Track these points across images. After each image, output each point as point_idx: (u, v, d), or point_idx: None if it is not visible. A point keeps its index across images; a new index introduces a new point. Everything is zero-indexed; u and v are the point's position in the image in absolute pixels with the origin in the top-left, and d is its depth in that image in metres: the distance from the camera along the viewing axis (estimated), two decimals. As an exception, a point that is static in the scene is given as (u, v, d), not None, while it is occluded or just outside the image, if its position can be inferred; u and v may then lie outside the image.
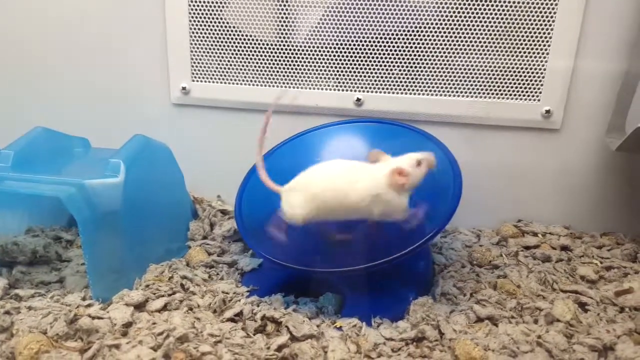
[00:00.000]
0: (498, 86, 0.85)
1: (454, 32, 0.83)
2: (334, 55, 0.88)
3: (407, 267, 0.74)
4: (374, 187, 0.65)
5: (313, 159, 0.83)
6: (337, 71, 0.89)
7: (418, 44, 0.85)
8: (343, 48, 0.87)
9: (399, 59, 0.86)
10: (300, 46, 0.88)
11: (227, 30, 0.89)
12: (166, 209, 0.82)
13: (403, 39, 0.85)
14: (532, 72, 0.84)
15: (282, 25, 0.88)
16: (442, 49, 0.85)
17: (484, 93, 0.86)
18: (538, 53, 0.83)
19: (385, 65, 0.87)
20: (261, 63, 0.90)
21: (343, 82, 0.89)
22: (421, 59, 0.86)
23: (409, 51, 0.85)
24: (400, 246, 0.65)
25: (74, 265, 0.78)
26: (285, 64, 0.90)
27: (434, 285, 0.74)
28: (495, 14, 0.82)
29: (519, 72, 0.84)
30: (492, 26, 0.82)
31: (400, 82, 0.87)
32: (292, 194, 0.68)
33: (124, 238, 0.70)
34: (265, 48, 0.89)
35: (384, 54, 0.86)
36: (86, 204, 0.66)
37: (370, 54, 0.87)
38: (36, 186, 0.67)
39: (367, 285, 0.72)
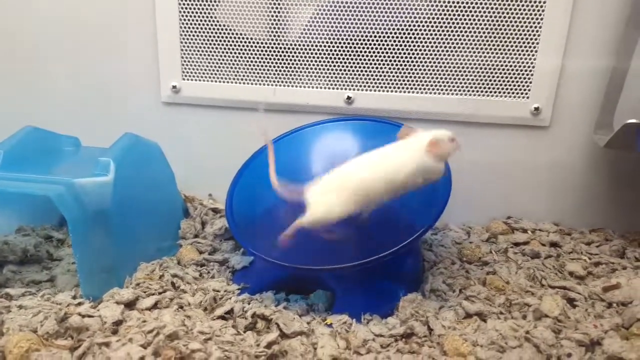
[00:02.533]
0: (487, 84, 0.86)
1: (443, 31, 0.84)
2: (325, 54, 0.88)
3: (396, 264, 0.74)
4: (418, 160, 0.66)
5: (304, 156, 0.84)
6: (328, 69, 0.89)
7: (408, 42, 0.85)
8: (334, 46, 0.87)
9: (389, 57, 0.86)
10: (291, 44, 0.88)
11: (218, 29, 0.90)
12: (157, 207, 0.82)
13: (393, 37, 0.85)
14: (521, 70, 0.84)
15: (273, 24, 0.88)
16: (432, 47, 0.85)
17: (473, 91, 0.86)
18: (527, 51, 0.83)
19: (375, 64, 0.87)
20: (252, 61, 0.90)
21: (333, 80, 0.89)
22: (411, 57, 0.86)
23: (399, 49, 0.86)
24: (390, 243, 0.66)
25: (65, 264, 0.78)
26: (277, 62, 0.90)
27: (423, 282, 0.75)
28: (484, 12, 0.82)
29: (507, 69, 0.84)
30: (481, 24, 0.83)
31: (391, 80, 0.88)
32: (326, 196, 0.67)
33: (114, 237, 0.70)
34: (256, 46, 0.89)
35: (374, 52, 0.87)
36: (76, 203, 0.66)
37: (361, 52, 0.87)
38: (26, 185, 0.67)
39: (358, 282, 0.72)
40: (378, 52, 0.86)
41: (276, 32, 0.88)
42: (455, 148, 0.68)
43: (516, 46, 0.83)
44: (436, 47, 0.85)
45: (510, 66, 0.84)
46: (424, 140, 0.66)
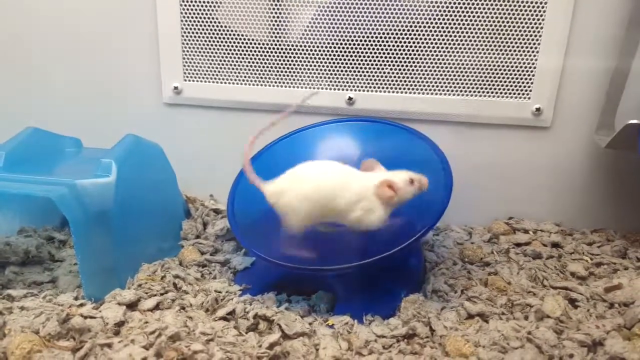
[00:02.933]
0: (488, 84, 0.86)
1: (445, 31, 0.84)
2: (326, 55, 0.88)
3: (398, 264, 0.75)
4: (362, 194, 0.66)
5: (305, 157, 0.83)
6: (329, 70, 0.89)
7: (410, 43, 0.85)
8: (335, 47, 0.87)
9: (390, 58, 0.87)
10: (293, 45, 0.88)
11: (219, 30, 0.90)
12: (158, 208, 0.82)
13: (395, 38, 0.85)
14: (523, 71, 0.84)
15: (274, 25, 0.88)
16: (433, 47, 0.85)
17: (474, 91, 0.86)
18: (528, 51, 0.83)
19: (376, 65, 0.87)
20: (253, 62, 0.91)
21: (335, 81, 0.89)
22: (413, 58, 0.86)
23: (400, 50, 0.86)
24: (391, 244, 0.66)
25: (67, 265, 0.78)
26: (278, 63, 0.90)
27: (425, 283, 0.75)
28: (486, 13, 0.82)
29: (509, 70, 0.84)
30: (482, 25, 0.83)
31: (392, 81, 0.88)
32: (282, 196, 0.69)
33: (116, 238, 0.70)
34: (258, 47, 0.89)
35: (375, 53, 0.87)
36: (78, 204, 0.66)
37: (362, 53, 0.87)
38: (28, 186, 0.67)
39: (359, 283, 0.72)
40: (379, 53, 0.86)
41: (277, 33, 0.88)
42: (412, 193, 0.67)
43: (517, 47, 0.83)
44: (437, 47, 0.85)
45: (512, 67, 0.84)
46: (376, 180, 0.66)
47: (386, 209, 0.67)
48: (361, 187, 0.67)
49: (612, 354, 0.58)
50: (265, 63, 0.90)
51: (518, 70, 0.84)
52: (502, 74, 0.85)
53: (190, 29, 0.90)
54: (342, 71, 0.89)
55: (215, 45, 0.91)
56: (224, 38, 0.90)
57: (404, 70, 0.87)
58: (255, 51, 0.90)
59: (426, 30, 0.84)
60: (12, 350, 0.55)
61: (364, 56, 0.87)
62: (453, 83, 0.86)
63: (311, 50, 0.88)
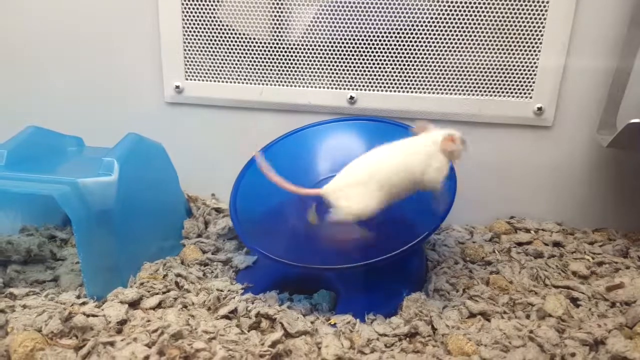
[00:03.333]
0: (490, 84, 0.86)
1: (446, 30, 0.84)
2: (328, 53, 0.88)
3: (400, 263, 0.74)
4: (430, 153, 0.67)
5: (306, 157, 0.84)
6: (331, 69, 0.89)
7: (411, 42, 0.85)
8: (336, 46, 0.87)
9: (392, 57, 0.87)
10: (294, 44, 0.88)
11: (221, 29, 0.90)
12: (160, 207, 0.82)
13: (396, 37, 0.85)
14: (524, 70, 0.84)
15: (275, 24, 0.88)
16: (435, 46, 0.85)
17: (476, 91, 0.86)
18: (530, 51, 0.83)
19: (378, 64, 0.87)
20: (255, 61, 0.91)
21: (336, 80, 0.89)
22: (414, 57, 0.86)
23: (402, 49, 0.86)
24: (394, 244, 0.66)
25: (69, 264, 0.78)
26: (279, 62, 0.90)
27: (427, 282, 0.75)
28: (488, 12, 0.82)
29: (511, 69, 0.84)
30: (484, 24, 0.83)
31: (394, 80, 0.88)
32: (349, 190, 0.67)
33: (118, 236, 0.70)
34: (259, 46, 0.90)
35: (377, 52, 0.87)
36: (80, 203, 0.66)
37: (364, 52, 0.87)
38: (30, 185, 0.67)
39: (361, 282, 0.72)
40: (381, 52, 0.86)
41: (279, 32, 0.88)
42: (463, 150, 0.68)
43: (519, 46, 0.83)
44: (439, 46, 0.85)
45: (513, 66, 0.84)
46: (439, 137, 0.67)
47: (448, 163, 0.68)
48: (426, 147, 0.68)
49: (614, 353, 0.58)
50: (267, 62, 0.90)
51: (520, 70, 0.84)
52: (503, 73, 0.85)
53: (192, 28, 0.90)
54: (343, 70, 0.89)
55: (217, 44, 0.91)
56: (225, 37, 0.90)
57: (406, 69, 0.87)
58: (256, 50, 0.90)
59: (428, 30, 0.84)
60: (15, 348, 0.55)
61: (366, 55, 0.87)
62: (454, 82, 0.86)
63: (312, 49, 0.88)
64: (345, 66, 0.88)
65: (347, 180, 0.68)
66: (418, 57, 0.86)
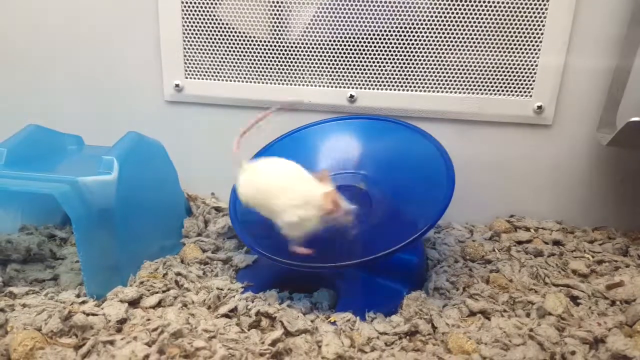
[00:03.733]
0: (490, 82, 0.86)
1: (446, 29, 0.84)
2: (327, 52, 0.88)
3: (400, 262, 0.74)
4: (306, 200, 0.65)
5: (306, 155, 0.84)
6: (331, 68, 0.89)
7: (411, 40, 0.85)
8: (336, 45, 0.87)
9: (392, 55, 0.86)
10: (294, 43, 0.88)
11: (221, 27, 0.90)
12: (160, 206, 0.82)
13: (396, 35, 0.85)
14: (524, 68, 0.84)
15: (275, 22, 0.88)
16: (435, 45, 0.85)
17: (476, 89, 0.86)
18: (530, 49, 0.83)
19: (378, 62, 0.87)
20: (254, 60, 0.90)
21: (336, 79, 0.89)
22: (414, 56, 0.86)
23: (402, 48, 0.86)
24: (393, 241, 0.66)
25: (68, 263, 0.78)
26: (279, 61, 0.90)
27: (427, 280, 0.75)
28: (487, 10, 0.82)
29: (511, 68, 0.84)
30: (484, 22, 0.83)
31: (394, 78, 0.88)
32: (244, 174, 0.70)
33: (118, 235, 0.70)
34: (259, 45, 0.89)
35: (377, 50, 0.87)
36: (80, 202, 0.66)
37: (364, 50, 0.87)
38: (30, 184, 0.67)
39: (361, 281, 0.72)
40: (381, 50, 0.86)
41: (278, 30, 0.88)
42: (343, 220, 0.65)
43: (519, 44, 0.83)
44: (439, 45, 0.85)
45: (513, 64, 0.84)
46: (323, 189, 0.65)
47: (320, 222, 0.65)
48: (308, 194, 0.65)
49: (614, 351, 0.58)
50: (267, 60, 0.90)
51: (520, 68, 0.84)
52: (503, 71, 0.85)
53: (192, 26, 0.90)
54: (343, 68, 0.89)
55: (217, 43, 0.91)
56: (225, 35, 0.90)
57: (406, 67, 0.87)
58: (256, 48, 0.90)
59: (428, 28, 0.84)
60: (15, 347, 0.55)
61: (366, 53, 0.87)
62: (455, 80, 0.86)
63: (312, 47, 0.88)
64: (345, 64, 0.88)
65: (252, 170, 0.70)
66: (418, 56, 0.86)
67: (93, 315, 0.62)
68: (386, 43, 0.86)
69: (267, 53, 0.90)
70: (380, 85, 0.89)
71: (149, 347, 0.56)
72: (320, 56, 0.88)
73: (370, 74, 0.88)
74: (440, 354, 0.59)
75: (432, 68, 0.86)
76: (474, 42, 0.84)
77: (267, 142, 0.85)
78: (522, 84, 0.85)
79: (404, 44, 0.86)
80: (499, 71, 0.85)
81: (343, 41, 0.87)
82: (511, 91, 0.86)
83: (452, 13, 0.83)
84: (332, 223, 0.66)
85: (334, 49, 0.88)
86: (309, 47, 0.88)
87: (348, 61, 0.88)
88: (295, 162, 0.69)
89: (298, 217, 0.65)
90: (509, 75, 0.85)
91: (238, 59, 0.91)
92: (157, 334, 0.58)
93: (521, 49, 0.83)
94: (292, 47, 0.89)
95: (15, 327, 0.59)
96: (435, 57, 0.86)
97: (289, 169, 0.69)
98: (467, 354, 0.59)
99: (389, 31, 0.85)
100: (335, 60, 0.88)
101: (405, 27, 0.85)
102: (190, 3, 0.89)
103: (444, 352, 0.60)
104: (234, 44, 0.90)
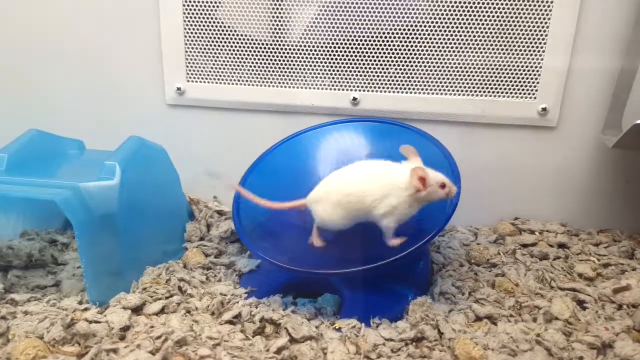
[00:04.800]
0: (494, 84, 0.85)
1: (450, 31, 0.83)
2: (330, 54, 0.87)
3: (405, 266, 0.74)
4: (392, 186, 0.66)
5: (309, 159, 0.83)
6: (333, 70, 0.88)
7: (414, 42, 0.85)
8: (338, 47, 0.87)
9: (395, 57, 0.86)
10: (296, 45, 0.88)
11: (222, 30, 0.89)
12: (162, 210, 0.81)
13: (399, 37, 0.85)
14: (529, 70, 0.84)
15: (276, 25, 0.87)
16: (439, 47, 0.84)
17: (480, 91, 0.86)
18: (534, 51, 0.83)
19: (381, 64, 0.87)
20: (256, 63, 0.90)
21: (339, 81, 0.89)
22: (417, 58, 0.85)
23: (405, 50, 0.85)
24: (399, 247, 0.65)
25: (70, 269, 0.77)
26: (281, 64, 0.89)
27: (432, 285, 0.74)
28: (492, 12, 0.81)
29: (515, 70, 0.84)
30: (488, 24, 0.82)
31: (397, 81, 0.87)
32: (318, 204, 0.70)
33: (121, 241, 0.69)
34: (260, 47, 0.89)
35: (380, 52, 0.86)
36: (82, 207, 0.65)
37: (367, 52, 0.86)
38: (31, 189, 0.67)
39: (366, 286, 0.71)
40: (384, 52, 0.86)
41: (280, 33, 0.87)
42: (439, 196, 0.66)
43: (523, 46, 0.82)
44: (443, 47, 0.84)
45: (518, 66, 0.84)
46: (408, 170, 0.66)
47: (412, 203, 0.66)
48: (391, 180, 0.67)
49: (623, 357, 0.58)
50: (269, 63, 0.89)
51: (524, 70, 0.84)
52: (507, 73, 0.84)
53: (193, 29, 0.89)
54: (346, 71, 0.88)
55: (218, 46, 0.90)
56: (226, 39, 0.89)
57: (409, 70, 0.86)
58: (258, 52, 0.89)
59: (431, 30, 0.84)
60: (17, 356, 0.55)
61: (369, 56, 0.86)
62: (458, 83, 0.86)
63: (315, 50, 0.87)
64: (348, 67, 0.88)
65: (319, 192, 0.71)
66: (422, 58, 0.85)
67: (96, 323, 0.61)
68: (390, 45, 0.85)
69: (269, 56, 0.89)
70: (383, 87, 0.88)
71: (153, 356, 0.56)
72: (323, 58, 0.88)
73: (374, 76, 0.87)
74: (448, 361, 0.59)
75: (436, 70, 0.86)
76: (478, 44, 0.83)
77: (269, 145, 0.84)
78: (526, 86, 0.84)
79: (407, 46, 0.85)
80: (503, 73, 0.84)
81: (345, 43, 0.86)
82: (515, 93, 0.85)
83: (456, 15, 0.82)
84: (431, 200, 0.67)
85: (336, 51, 0.87)
86: (311, 50, 0.87)
87: (351, 63, 0.87)
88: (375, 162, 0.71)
89: (390, 206, 0.66)
90: (513, 77, 0.84)
91: (240, 62, 0.90)
92: (161, 342, 0.57)
93: (525, 50, 0.83)
94: (294, 49, 0.88)
95: (17, 335, 0.58)
96: (439, 59, 0.85)
97: (365, 166, 0.71)
98: (474, 360, 0.59)
99: (393, 33, 0.85)
100: (338, 63, 0.88)
101: (409, 29, 0.84)
102: (192, 6, 0.88)
103: (450, 358, 0.59)
104: (235, 46, 0.89)
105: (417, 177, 0.65)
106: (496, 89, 0.85)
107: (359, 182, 0.68)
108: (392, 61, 0.86)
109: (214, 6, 0.87)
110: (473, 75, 0.85)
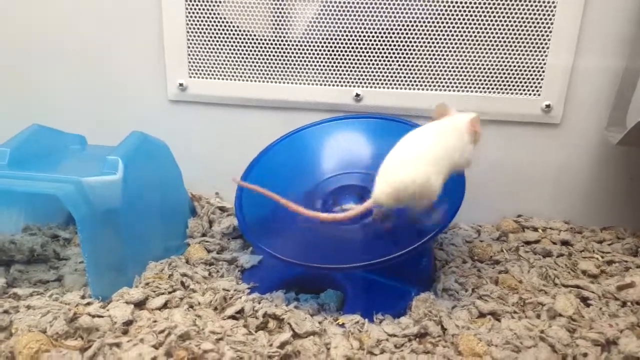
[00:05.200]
0: (498, 81, 0.85)
1: (454, 27, 0.83)
2: (332, 50, 0.87)
3: (408, 263, 0.73)
4: (461, 135, 0.67)
5: (312, 155, 0.83)
6: (336, 66, 0.88)
7: (418, 38, 0.84)
8: (341, 42, 0.86)
9: (398, 53, 0.86)
10: (298, 41, 0.87)
11: (224, 26, 0.89)
12: (165, 206, 0.81)
13: (403, 33, 0.84)
14: (532, 67, 0.83)
15: (279, 20, 0.87)
16: (443, 43, 0.84)
17: (484, 88, 0.86)
18: (538, 47, 0.82)
19: (385, 60, 0.86)
20: (259, 59, 0.90)
21: (342, 77, 0.89)
22: (421, 54, 0.85)
23: (409, 46, 0.85)
24: (402, 243, 0.65)
25: (72, 264, 0.77)
26: (283, 59, 0.89)
27: (435, 281, 0.74)
28: (496, 8, 0.81)
29: (519, 66, 0.84)
30: (492, 20, 0.82)
31: (400, 77, 0.87)
32: (409, 186, 0.63)
33: (123, 236, 0.69)
34: (263, 43, 0.89)
35: (383, 48, 0.86)
36: (84, 202, 0.65)
37: (370, 48, 0.86)
38: (33, 184, 0.66)
39: (369, 282, 0.71)
40: (387, 48, 0.86)
41: (283, 28, 0.87)
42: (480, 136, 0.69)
43: (527, 42, 0.82)
44: (447, 43, 0.84)
45: (522, 63, 0.83)
46: (467, 118, 0.68)
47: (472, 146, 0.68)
48: (457, 129, 0.68)
49: (627, 354, 0.58)
50: (272, 59, 0.89)
51: (528, 66, 0.83)
52: (511, 70, 0.84)
53: (196, 25, 0.89)
54: (349, 67, 0.88)
55: (221, 42, 0.90)
56: (229, 34, 0.89)
57: (413, 66, 0.86)
58: (261, 47, 0.89)
59: (435, 26, 0.83)
60: (20, 349, 0.55)
61: (372, 51, 0.86)
62: (462, 79, 0.86)
63: (317, 45, 0.87)
64: (351, 63, 0.87)
65: (398, 178, 0.63)
66: (425, 54, 0.85)
67: (99, 317, 0.61)
68: (393, 41, 0.85)
69: (271, 51, 0.89)
70: (387, 83, 0.88)
71: (156, 350, 0.55)
72: (325, 54, 0.87)
73: (377, 72, 0.87)
74: (451, 357, 0.58)
75: (440, 66, 0.85)
76: (482, 40, 0.83)
77: (271, 140, 0.84)
78: (530, 83, 0.84)
79: (411, 42, 0.85)
80: (507, 69, 0.84)
81: (348, 38, 0.86)
82: (519, 90, 0.85)
83: (460, 10, 0.82)
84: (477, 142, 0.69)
85: (339, 46, 0.87)
86: (313, 45, 0.87)
87: (354, 59, 0.87)
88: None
89: (467, 152, 0.67)
90: (517, 74, 0.84)
91: (242, 58, 0.90)
92: (164, 336, 0.57)
93: (529, 46, 0.82)
94: (296, 44, 0.88)
95: (20, 329, 0.58)
96: (443, 55, 0.85)
97: (420, 136, 0.68)
98: (478, 356, 0.58)
99: (396, 29, 0.84)
100: (341, 58, 0.87)
101: (413, 25, 0.84)
102: (194, 1, 0.88)
103: (454, 354, 0.59)
104: (238, 42, 0.89)
105: (475, 124, 0.68)
106: (500, 85, 0.85)
107: (443, 140, 0.67)
108: (396, 57, 0.86)
109: (216, 2, 0.87)
110: (477, 72, 0.85)
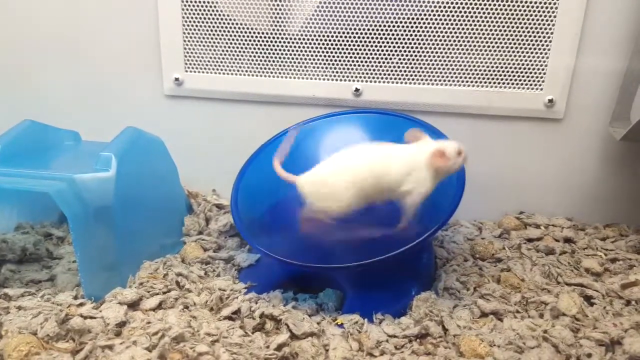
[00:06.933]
0: (500, 75, 0.83)
1: (455, 21, 0.81)
2: (331, 44, 0.85)
3: (409, 261, 0.72)
4: (412, 165, 0.65)
5: (311, 150, 0.82)
6: (335, 60, 0.86)
7: (419, 32, 0.83)
8: (340, 37, 0.85)
9: (399, 48, 0.84)
10: (296, 35, 0.86)
11: (221, 20, 0.87)
12: (160, 203, 0.80)
13: (403, 27, 0.83)
14: (535, 62, 0.82)
15: (277, 14, 0.85)
16: (444, 37, 0.83)
17: (485, 82, 0.84)
18: (541, 42, 0.81)
19: (384, 55, 0.85)
20: (256, 53, 0.88)
21: (341, 72, 0.87)
22: (422, 48, 0.84)
23: (409, 40, 0.83)
24: (401, 241, 0.64)
25: (65, 263, 0.76)
26: (281, 54, 0.87)
27: (436, 280, 0.73)
28: (497, 2, 0.79)
29: (521, 60, 0.82)
30: (494, 14, 0.80)
31: (400, 71, 0.85)
32: (321, 185, 0.67)
33: (117, 234, 0.67)
34: (260, 37, 0.87)
35: (383, 42, 0.84)
36: (77, 200, 0.64)
37: (370, 42, 0.84)
38: (25, 181, 0.65)
39: (368, 280, 0.70)
40: (387, 43, 0.84)
41: (281, 22, 0.85)
42: (458, 165, 0.65)
43: (530, 37, 0.81)
44: (448, 37, 0.82)
45: (524, 57, 0.82)
46: (426, 149, 0.65)
47: (434, 179, 0.65)
48: (411, 158, 0.65)
49: (632, 354, 0.57)
50: (269, 53, 0.88)
51: (530, 61, 0.82)
52: (513, 64, 0.82)
53: (192, 19, 0.87)
54: (348, 61, 0.86)
55: (217, 36, 0.88)
56: (226, 28, 0.87)
57: (413, 60, 0.84)
58: (258, 41, 0.87)
59: (436, 20, 0.82)
60: (9, 352, 0.53)
61: (371, 46, 0.84)
62: (463, 74, 0.84)
63: (315, 40, 0.85)
64: (350, 57, 0.86)
65: (320, 174, 0.67)
66: (426, 48, 0.83)
67: (91, 319, 0.60)
68: (393, 35, 0.83)
69: (269, 45, 0.87)
70: (386, 78, 0.86)
71: (150, 352, 0.54)
72: (324, 48, 0.86)
73: (377, 66, 0.86)
74: (453, 358, 0.57)
75: (440, 60, 0.84)
76: (483, 34, 0.82)
77: (269, 136, 0.83)
78: (532, 77, 0.83)
79: (411, 36, 0.83)
80: (509, 64, 0.82)
81: (348, 32, 0.84)
82: (521, 84, 0.83)
83: (462, 4, 0.80)
84: (451, 172, 0.66)
85: (338, 40, 0.85)
86: (312, 39, 0.86)
87: (353, 53, 0.85)
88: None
89: (413, 182, 0.65)
90: (519, 68, 0.82)
91: (239, 52, 0.88)
92: (158, 338, 0.56)
93: (532, 42, 0.81)
94: (294, 39, 0.86)
95: (10, 331, 0.57)
96: (444, 49, 0.83)
97: (374, 149, 0.68)
98: (480, 358, 0.57)
99: (397, 22, 0.83)
100: (340, 53, 0.86)
101: (413, 18, 0.82)
102: (190, -6, 0.86)
103: (456, 355, 0.58)
104: (234, 36, 0.87)
105: (437, 157, 0.64)
106: (502, 79, 0.83)
107: (380, 160, 0.66)
108: (396, 51, 0.84)
109: (212, -6, 0.86)
110: (478, 66, 0.83)
